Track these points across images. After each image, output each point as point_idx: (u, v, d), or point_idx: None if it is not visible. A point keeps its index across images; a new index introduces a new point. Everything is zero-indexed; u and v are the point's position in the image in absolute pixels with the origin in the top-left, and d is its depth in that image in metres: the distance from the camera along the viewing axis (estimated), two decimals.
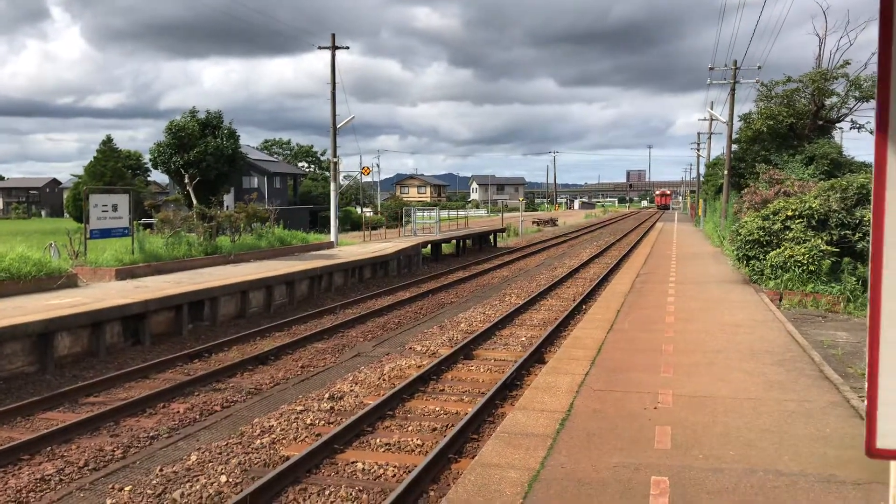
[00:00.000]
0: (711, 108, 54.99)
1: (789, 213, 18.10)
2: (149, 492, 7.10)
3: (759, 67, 37.45)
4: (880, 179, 1.44)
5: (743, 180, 35.08)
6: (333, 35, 32.51)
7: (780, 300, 16.26)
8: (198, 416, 9.73)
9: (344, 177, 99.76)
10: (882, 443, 1.51)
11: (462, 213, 61.59)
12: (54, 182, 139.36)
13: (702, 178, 68.22)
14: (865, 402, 1.57)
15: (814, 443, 6.44)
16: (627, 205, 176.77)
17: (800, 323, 13.50)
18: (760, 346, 10.64)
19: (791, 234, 17.68)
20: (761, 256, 18.14)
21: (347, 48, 33.73)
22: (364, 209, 70.54)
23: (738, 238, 19.23)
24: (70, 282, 16.44)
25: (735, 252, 19.73)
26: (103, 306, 13.46)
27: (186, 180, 24.89)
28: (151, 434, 8.95)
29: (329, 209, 33.91)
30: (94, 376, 11.74)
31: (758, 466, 5.89)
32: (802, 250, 16.98)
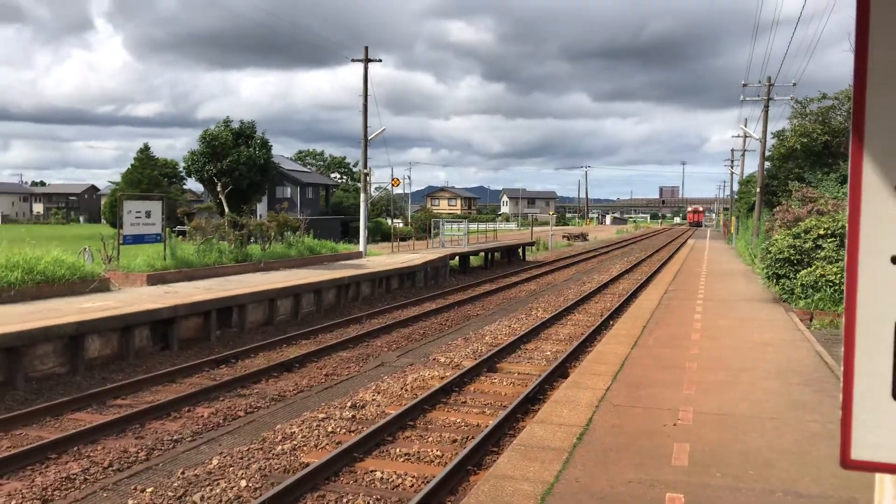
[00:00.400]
0: (745, 125, 54.43)
1: (821, 232, 17.86)
2: (170, 494, 7.22)
3: (794, 84, 37.10)
4: (855, 188, 1.47)
5: (775, 198, 34.64)
6: (366, 48, 32.86)
7: (811, 320, 16.02)
8: (221, 421, 9.85)
9: (375, 188, 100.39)
10: (856, 454, 1.53)
11: (491, 226, 61.60)
12: (93, 188, 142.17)
13: (735, 196, 67.49)
14: (840, 413, 1.59)
15: (836, 465, 6.33)
16: (660, 221, 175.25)
17: (829, 343, 13.30)
18: (787, 366, 10.50)
19: (823, 253, 17.44)
20: (792, 275, 17.90)
21: (380, 61, 34.10)
22: (394, 220, 70.90)
23: (769, 256, 19.01)
24: (102, 286, 16.77)
25: (765, 270, 19.50)
26: (133, 310, 13.71)
27: (219, 189, 25.26)
28: (175, 437, 9.08)
29: (359, 220, 34.15)
30: (123, 379, 11.96)
31: (777, 487, 5.82)
32: (834, 269, 16.73)
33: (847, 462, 1.57)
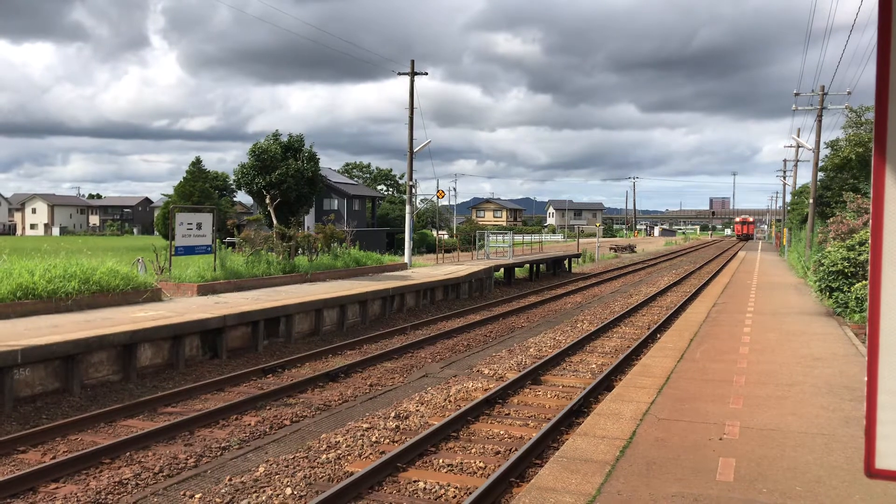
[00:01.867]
0: (798, 135, 53.36)
1: None
2: (217, 500, 7.37)
3: (849, 93, 36.19)
4: (878, 200, 1.47)
5: (829, 209, 33.85)
6: (412, 62, 33.18)
7: (866, 334, 15.60)
8: (268, 430, 10.02)
9: (420, 200, 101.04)
10: (881, 463, 1.52)
11: (537, 237, 61.35)
12: (146, 201, 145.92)
13: (787, 207, 66.10)
14: (864, 422, 1.58)
15: (888, 483, 6.18)
16: (710, 233, 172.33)
17: None
18: (839, 381, 10.25)
19: None
20: (846, 288, 17.46)
21: (426, 74, 34.41)
22: (439, 232, 71.15)
23: (822, 268, 18.58)
24: (154, 296, 17.20)
25: (818, 283, 19.06)
26: (184, 320, 14.03)
27: (267, 201, 25.73)
28: (223, 445, 9.26)
29: (405, 231, 34.38)
30: (173, 387, 12.24)
31: None
32: None
33: (871, 471, 1.57)
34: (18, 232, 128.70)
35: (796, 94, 38.29)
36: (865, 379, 1.59)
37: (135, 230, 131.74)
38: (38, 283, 14.66)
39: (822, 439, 7.42)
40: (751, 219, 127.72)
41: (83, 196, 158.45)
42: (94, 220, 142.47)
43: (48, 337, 11.66)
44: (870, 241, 1.53)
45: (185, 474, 8.26)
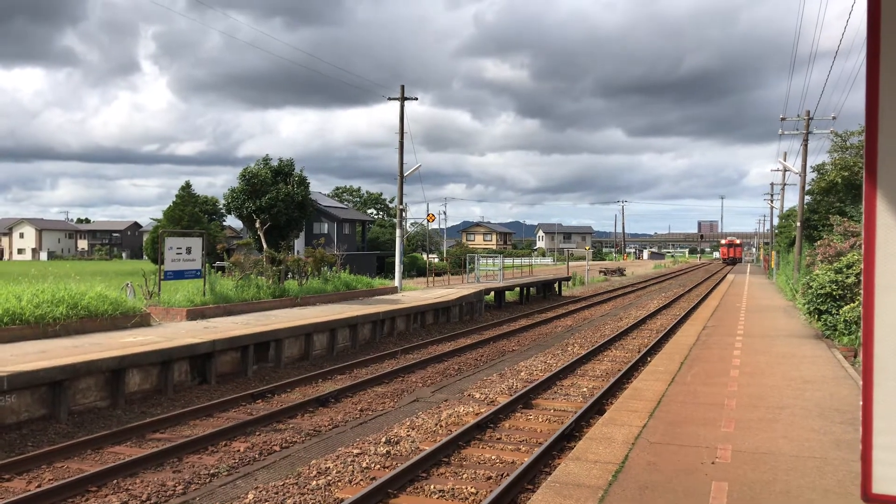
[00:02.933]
0: (784, 159, 53.87)
1: None
2: None
3: (834, 117, 36.65)
4: (870, 226, 1.49)
5: (816, 232, 34.11)
6: (402, 87, 33.39)
7: (855, 357, 15.65)
8: (257, 456, 9.92)
9: (411, 224, 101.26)
10: (878, 487, 1.52)
11: (527, 260, 61.44)
12: (135, 225, 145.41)
13: (775, 230, 66.57)
14: (860, 447, 1.59)
15: None
16: (699, 256, 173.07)
17: None
18: (829, 404, 10.26)
19: None
20: (834, 311, 17.55)
21: (416, 99, 34.63)
22: (430, 255, 71.12)
23: (810, 291, 18.68)
24: (143, 321, 17.09)
25: (806, 306, 19.15)
26: (173, 345, 13.93)
27: (257, 225, 25.70)
28: (212, 471, 9.16)
29: (395, 255, 34.39)
30: (161, 413, 12.12)
31: None
32: None
33: (868, 496, 1.57)
34: (6, 257, 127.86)
35: (782, 119, 38.72)
36: (861, 403, 1.59)
37: (124, 255, 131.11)
38: (26, 308, 14.54)
39: (814, 462, 7.41)
40: (738, 241, 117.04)
41: (71, 220, 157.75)
42: (83, 244, 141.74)
43: (35, 363, 11.55)
44: (862, 267, 1.54)
45: (173, 502, 8.16)
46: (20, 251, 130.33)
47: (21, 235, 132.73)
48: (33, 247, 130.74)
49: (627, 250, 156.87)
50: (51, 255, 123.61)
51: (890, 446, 1.52)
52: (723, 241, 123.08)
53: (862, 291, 1.56)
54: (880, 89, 1.49)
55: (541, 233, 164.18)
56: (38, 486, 8.50)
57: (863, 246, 1.55)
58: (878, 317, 1.53)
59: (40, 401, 11.40)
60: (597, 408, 12.29)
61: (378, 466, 9.25)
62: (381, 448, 10.02)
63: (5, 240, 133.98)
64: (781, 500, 6.26)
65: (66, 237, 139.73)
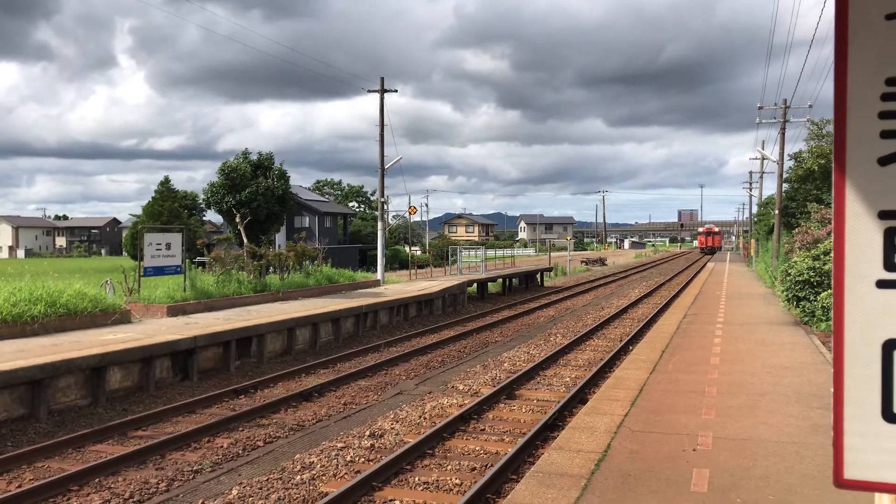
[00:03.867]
0: (762, 148, 54.29)
1: None
2: None
3: (811, 106, 37.02)
4: (839, 213, 1.51)
5: (794, 220, 34.46)
6: (382, 79, 33.27)
7: None
8: (241, 451, 9.89)
9: (393, 216, 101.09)
10: (849, 473, 1.55)
11: (509, 251, 61.58)
12: (114, 221, 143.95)
13: (754, 218, 67.18)
14: (832, 433, 1.61)
15: (857, 493, 6.27)
16: (679, 245, 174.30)
17: None
18: (808, 389, 10.40)
19: None
20: (812, 297, 17.75)
21: (396, 91, 34.44)
22: (412, 248, 71.03)
23: (788, 278, 18.88)
24: (124, 318, 16.95)
25: (785, 293, 19.36)
26: (154, 342, 13.84)
27: (238, 219, 25.55)
28: (195, 468, 9.13)
29: (377, 248, 34.34)
30: (143, 410, 12.05)
31: None
32: None
33: (840, 481, 1.60)
34: None
35: (760, 108, 39.01)
36: (832, 390, 1.62)
37: (103, 251, 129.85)
38: (3, 307, 14.37)
39: (793, 447, 7.51)
40: (717, 229, 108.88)
41: (49, 217, 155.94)
42: (61, 241, 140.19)
43: (13, 362, 11.43)
44: (832, 255, 1.57)
45: (156, 499, 8.12)
46: None
47: None
48: (10, 245, 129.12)
49: (609, 240, 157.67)
50: (28, 253, 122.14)
51: (861, 432, 1.55)
52: (700, 230, 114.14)
53: (833, 280, 1.59)
54: (848, 78, 1.52)
55: (523, 224, 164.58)
56: (19, 486, 8.43)
57: (833, 234, 1.57)
58: (848, 304, 1.55)
59: (19, 400, 11.29)
60: (579, 397, 12.37)
61: (362, 460, 9.26)
62: (366, 441, 10.03)
63: None
64: (761, 486, 6.34)
65: (43, 234, 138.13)
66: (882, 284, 1.57)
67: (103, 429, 10.63)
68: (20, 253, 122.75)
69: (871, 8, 1.55)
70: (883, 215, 1.58)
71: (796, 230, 27.02)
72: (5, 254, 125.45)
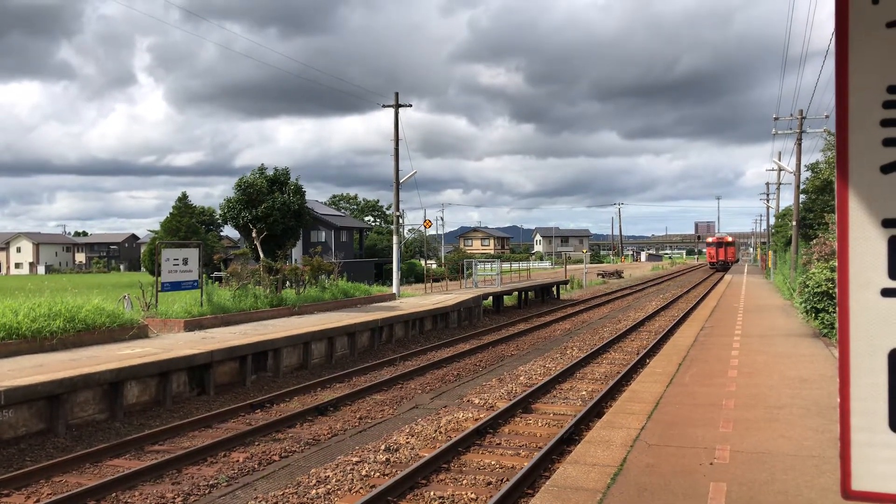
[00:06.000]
0: (779, 159, 53.99)
1: None
2: None
3: (827, 116, 36.70)
4: (843, 222, 1.51)
5: (812, 231, 34.18)
6: (396, 94, 33.46)
7: None
8: (256, 466, 9.91)
9: (408, 230, 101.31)
10: (857, 484, 1.53)
11: (524, 265, 61.44)
12: (133, 237, 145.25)
13: (772, 230, 66.68)
14: (839, 444, 1.60)
15: None
16: (696, 257, 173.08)
17: None
18: (827, 402, 10.27)
19: None
20: (831, 309, 17.55)
21: (410, 106, 34.62)
22: (427, 261, 71.12)
23: (807, 290, 18.69)
24: (141, 332, 17.07)
25: (803, 305, 19.16)
26: (171, 356, 13.92)
27: (254, 234, 25.70)
28: (211, 482, 9.15)
29: (392, 262, 34.40)
30: (160, 425, 12.10)
31: None
32: None
33: (848, 492, 1.58)
34: (3, 271, 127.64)
35: (776, 119, 38.81)
36: (838, 400, 1.61)
37: (121, 267, 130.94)
38: (23, 322, 14.52)
39: (812, 461, 7.41)
40: (730, 238, 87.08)
41: (69, 234, 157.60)
42: (80, 257, 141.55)
43: (32, 377, 11.53)
44: (837, 265, 1.56)
45: None
46: (17, 265, 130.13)
47: (18, 250, 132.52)
48: (31, 261, 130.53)
49: (625, 252, 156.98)
50: (48, 269, 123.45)
51: (868, 443, 1.53)
52: (709, 239, 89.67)
53: (837, 289, 1.58)
54: (849, 86, 1.51)
55: (538, 237, 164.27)
56: (37, 500, 8.49)
57: (837, 243, 1.56)
58: (853, 313, 1.54)
59: (38, 415, 11.38)
60: (596, 411, 12.29)
61: (378, 474, 9.24)
62: (381, 455, 10.01)
63: (2, 254, 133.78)
64: (780, 501, 6.26)
65: (63, 250, 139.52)
66: (887, 293, 1.56)
67: (120, 443, 10.69)
68: (40, 269, 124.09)
69: (872, 16, 1.55)
70: (886, 223, 1.57)
71: (814, 241, 26.80)
72: (26, 270, 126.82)
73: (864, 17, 1.56)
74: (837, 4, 1.57)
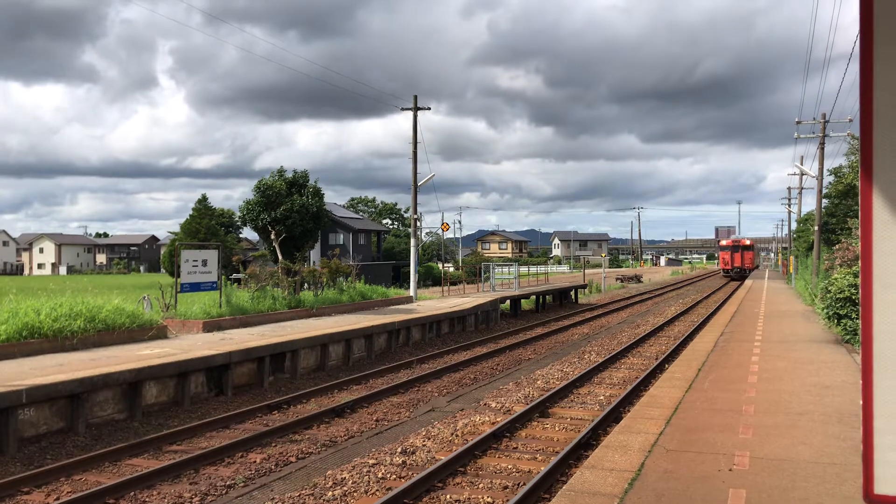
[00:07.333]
0: (801, 163, 53.48)
1: None
2: None
3: (850, 120, 36.32)
4: (866, 224, 1.47)
5: (834, 236, 33.81)
6: (415, 97, 33.50)
7: None
8: (273, 467, 9.93)
9: (426, 233, 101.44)
10: (879, 488, 1.50)
11: (542, 268, 61.28)
12: (153, 239, 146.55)
13: (793, 234, 66.05)
14: (861, 447, 1.56)
15: None
16: (716, 261, 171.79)
17: None
18: (850, 409, 10.13)
19: None
20: (854, 315, 17.35)
21: (429, 109, 34.71)
22: (445, 265, 71.08)
23: (829, 296, 18.49)
24: (160, 333, 17.19)
25: (825, 310, 18.95)
26: (189, 357, 14.00)
27: (273, 236, 25.79)
28: (228, 483, 9.18)
29: (410, 265, 34.41)
30: (178, 425, 12.17)
31: None
32: None
33: (870, 496, 1.54)
34: (26, 272, 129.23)
35: (798, 123, 38.43)
36: (861, 403, 1.57)
37: (141, 268, 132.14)
38: (44, 322, 14.67)
39: (834, 469, 7.31)
40: (747, 241, 76.45)
41: (90, 235, 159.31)
42: (101, 258, 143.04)
43: (53, 376, 11.64)
44: (860, 266, 1.53)
45: None
46: (40, 266, 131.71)
47: (41, 250, 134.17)
48: (53, 261, 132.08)
49: (644, 257, 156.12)
50: (70, 270, 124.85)
51: (891, 446, 1.49)
52: (723, 242, 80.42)
53: (860, 291, 1.55)
54: (874, 88, 1.48)
55: (556, 240, 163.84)
56: (57, 498, 8.56)
57: (860, 244, 1.53)
58: (877, 315, 1.51)
59: (59, 414, 11.48)
60: (614, 416, 12.21)
61: (394, 476, 9.23)
62: (397, 458, 10.00)
63: (25, 255, 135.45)
64: None
65: (84, 251, 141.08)
66: None
67: (139, 443, 10.76)
68: (62, 270, 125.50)
69: None
70: None
71: (836, 246, 26.50)
72: (48, 270, 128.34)
73: (890, 18, 1.52)
74: (862, 6, 1.54)
